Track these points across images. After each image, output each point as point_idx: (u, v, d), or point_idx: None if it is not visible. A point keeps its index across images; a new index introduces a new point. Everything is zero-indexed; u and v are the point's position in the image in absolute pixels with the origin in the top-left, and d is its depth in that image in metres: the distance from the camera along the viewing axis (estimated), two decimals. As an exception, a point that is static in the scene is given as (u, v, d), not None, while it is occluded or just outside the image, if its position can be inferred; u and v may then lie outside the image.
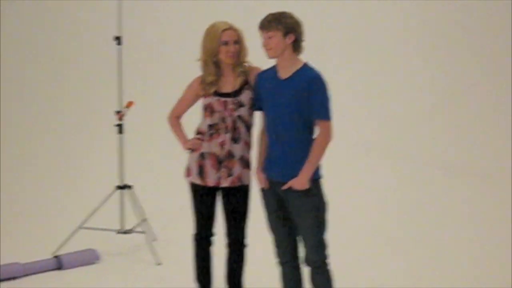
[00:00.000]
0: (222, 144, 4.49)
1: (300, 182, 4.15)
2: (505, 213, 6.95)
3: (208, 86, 4.50)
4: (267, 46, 4.18)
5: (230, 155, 4.50)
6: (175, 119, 4.73)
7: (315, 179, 4.21)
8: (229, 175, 4.50)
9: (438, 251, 6.13)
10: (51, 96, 8.85)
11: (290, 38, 4.15)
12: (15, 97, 8.79)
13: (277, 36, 4.15)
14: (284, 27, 4.13)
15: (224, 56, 4.44)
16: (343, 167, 7.88)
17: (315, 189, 4.20)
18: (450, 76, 8.88)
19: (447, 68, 8.89)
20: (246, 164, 4.55)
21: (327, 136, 4.15)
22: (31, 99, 8.82)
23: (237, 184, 4.54)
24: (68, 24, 8.96)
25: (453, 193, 7.62)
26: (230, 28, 4.45)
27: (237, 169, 4.51)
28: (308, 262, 4.31)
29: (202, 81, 4.54)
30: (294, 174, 4.17)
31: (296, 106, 4.14)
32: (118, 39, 6.09)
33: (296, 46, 4.19)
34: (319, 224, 4.23)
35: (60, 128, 8.62)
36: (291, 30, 4.14)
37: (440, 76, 8.89)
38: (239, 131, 4.50)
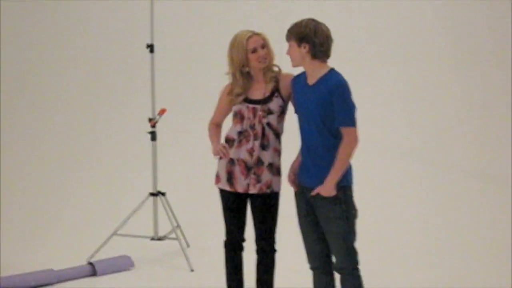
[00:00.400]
0: (251, 151, 4.49)
1: (326, 189, 4.14)
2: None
3: (236, 97, 4.52)
4: (288, 55, 4.24)
5: (259, 162, 4.50)
6: (214, 126, 4.72)
7: (343, 186, 4.18)
8: (258, 181, 4.50)
9: (472, 257, 6.10)
10: (86, 104, 8.91)
11: (304, 47, 4.16)
12: (51, 106, 8.86)
13: (293, 46, 4.19)
14: (296, 37, 4.16)
15: (256, 63, 4.45)
16: (373, 173, 7.83)
17: (342, 196, 4.18)
18: (483, 82, 8.80)
19: (481, 74, 8.82)
20: (275, 171, 4.55)
21: (351, 143, 4.13)
22: (65, 108, 8.88)
23: (266, 191, 4.53)
24: (101, 32, 9.02)
25: (486, 199, 7.54)
26: (254, 34, 4.47)
27: (265, 176, 4.51)
28: (337, 269, 4.30)
29: (229, 92, 4.55)
30: (321, 180, 4.16)
31: (321, 112, 4.14)
32: (150, 46, 6.11)
33: (314, 54, 4.18)
34: (347, 232, 4.20)
35: (94, 136, 8.67)
36: (304, 40, 4.15)
37: (474, 81, 8.82)
38: (268, 138, 4.50)
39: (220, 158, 4.59)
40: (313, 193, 4.19)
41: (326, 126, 4.16)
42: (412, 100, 8.81)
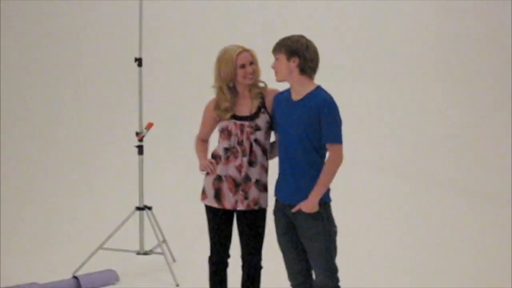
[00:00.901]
0: (239, 168, 4.49)
1: (309, 205, 4.14)
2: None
3: (223, 112, 4.51)
4: (274, 69, 4.25)
5: (246, 178, 4.49)
6: (200, 142, 4.72)
7: (324, 202, 4.20)
8: (245, 198, 4.49)
9: (448, 273, 6.12)
10: (73, 118, 8.88)
11: (294, 61, 4.17)
12: (38, 119, 8.83)
13: (281, 59, 4.20)
14: (286, 50, 4.17)
15: (243, 79, 4.45)
16: (354, 189, 7.84)
17: (324, 212, 4.20)
18: (467, 98, 8.83)
19: (464, 90, 8.85)
20: (262, 187, 4.53)
21: (337, 159, 4.15)
22: (51, 119, 8.85)
23: (253, 207, 4.52)
24: (89, 46, 9.01)
25: (467, 215, 7.55)
26: (244, 50, 4.46)
27: (253, 192, 4.50)
28: (318, 286, 4.28)
29: (216, 106, 4.54)
30: (303, 197, 4.16)
31: (305, 129, 4.15)
32: (139, 60, 6.11)
33: (303, 69, 4.19)
34: (328, 248, 4.21)
35: (80, 149, 8.64)
36: (294, 54, 4.16)
37: (457, 97, 8.85)
38: (255, 155, 4.49)
39: (207, 174, 4.58)
40: (295, 209, 4.19)
41: (311, 143, 4.17)
42: (396, 115, 8.82)
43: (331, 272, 4.24)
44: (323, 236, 4.19)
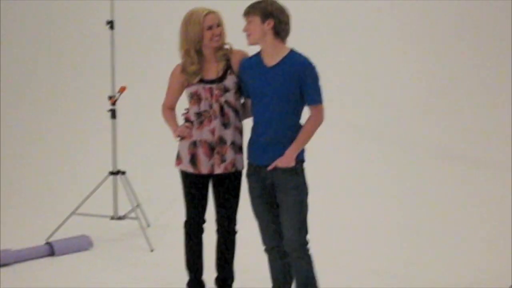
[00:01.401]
0: (212, 131, 4.44)
1: (285, 160, 4.17)
2: (504, 201, 6.87)
3: (191, 76, 4.45)
4: (246, 31, 4.20)
5: (221, 141, 4.45)
6: (168, 110, 4.65)
7: (300, 159, 4.24)
8: (223, 161, 4.46)
9: (434, 241, 6.09)
10: (44, 82, 8.78)
11: (269, 24, 4.14)
12: (8, 84, 8.73)
13: (255, 21, 4.15)
14: (261, 12, 4.13)
15: (209, 41, 4.40)
16: (334, 152, 7.84)
17: (300, 168, 4.24)
18: (448, 61, 8.79)
19: (447, 53, 8.81)
20: (238, 149, 4.51)
21: (319, 119, 4.21)
22: (23, 83, 8.75)
23: (231, 170, 4.49)
24: (60, 9, 8.88)
25: (449, 180, 7.55)
26: (211, 12, 4.41)
27: (229, 154, 4.47)
28: (288, 244, 4.27)
29: (183, 70, 4.48)
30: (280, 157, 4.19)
31: (285, 93, 4.15)
32: (110, 23, 6.04)
33: (278, 31, 4.16)
34: (301, 205, 4.23)
35: (52, 114, 8.55)
36: (270, 16, 4.13)
37: (439, 60, 8.81)
38: (228, 116, 4.45)
39: (181, 139, 4.53)
40: (271, 166, 4.20)
41: (291, 106, 4.17)
42: (378, 78, 8.79)
43: (302, 230, 4.24)
44: (299, 191, 4.22)
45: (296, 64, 4.14)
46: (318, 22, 8.67)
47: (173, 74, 4.57)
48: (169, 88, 4.62)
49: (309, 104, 4.19)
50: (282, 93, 4.15)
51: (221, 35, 4.42)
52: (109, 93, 6.08)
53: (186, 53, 4.45)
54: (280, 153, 4.18)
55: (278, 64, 4.18)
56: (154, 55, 8.60)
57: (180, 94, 4.60)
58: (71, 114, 8.53)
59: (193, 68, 4.44)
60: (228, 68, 4.46)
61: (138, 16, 8.68)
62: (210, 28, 4.38)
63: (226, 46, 4.50)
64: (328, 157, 7.56)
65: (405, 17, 8.89)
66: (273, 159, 4.20)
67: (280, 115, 4.18)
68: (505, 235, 6.05)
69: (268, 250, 4.44)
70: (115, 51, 6.11)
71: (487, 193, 7.15)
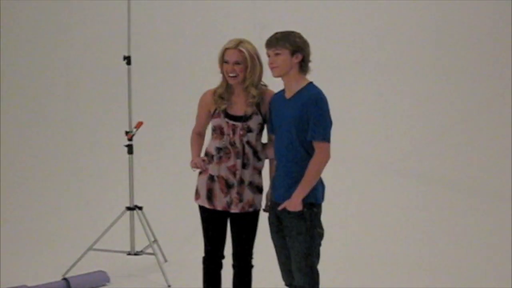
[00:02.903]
0: (233, 169, 4.42)
1: (292, 204, 4.11)
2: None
3: (219, 99, 4.43)
4: (273, 64, 4.14)
5: (241, 180, 4.42)
6: (196, 135, 4.62)
7: (310, 202, 4.14)
8: (240, 200, 4.43)
9: (446, 266, 6.12)
10: (61, 116, 8.81)
11: (297, 58, 4.13)
12: (23, 117, 8.76)
13: (284, 54, 4.11)
14: (292, 46, 4.11)
15: (225, 75, 4.39)
16: (351, 188, 7.79)
17: (308, 213, 4.14)
18: (464, 95, 8.77)
19: (462, 88, 8.79)
20: (255, 189, 4.47)
21: (323, 159, 4.09)
22: (40, 119, 8.78)
23: (248, 209, 4.46)
24: (78, 44, 8.93)
25: (463, 212, 7.52)
26: (235, 47, 4.35)
27: (247, 194, 4.43)
28: (296, 287, 4.22)
29: (214, 92, 4.46)
30: (289, 196, 4.13)
31: (296, 126, 4.11)
32: (127, 58, 6.06)
33: (303, 66, 4.16)
34: (308, 250, 4.15)
35: (70, 148, 8.57)
36: (299, 49, 4.12)
37: (455, 94, 8.79)
38: (247, 157, 4.42)
39: (200, 173, 4.51)
40: (280, 207, 4.16)
41: (300, 140, 4.12)
42: (392, 111, 8.76)
43: (309, 276, 4.18)
44: (304, 237, 4.14)
45: (306, 96, 4.10)
46: (332, 54, 8.68)
47: (201, 99, 4.54)
48: (197, 113, 4.59)
49: (311, 140, 4.09)
50: (292, 126, 4.11)
51: (238, 74, 4.35)
52: (126, 128, 6.09)
53: (222, 75, 4.43)
54: (288, 191, 4.13)
55: (293, 96, 4.17)
56: (171, 90, 8.62)
57: (207, 121, 4.55)
58: (88, 149, 8.54)
59: (220, 91, 4.42)
60: (256, 108, 4.43)
61: (155, 51, 8.71)
62: (226, 62, 4.37)
63: (257, 90, 4.40)
64: (350, 194, 7.52)
65: (421, 50, 8.87)
66: (283, 196, 4.16)
67: (289, 148, 4.14)
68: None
69: (288, 285, 4.40)
70: (132, 86, 6.12)
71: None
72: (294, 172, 4.14)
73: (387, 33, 8.85)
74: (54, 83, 8.92)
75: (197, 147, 4.61)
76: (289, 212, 4.12)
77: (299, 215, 4.12)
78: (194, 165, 4.49)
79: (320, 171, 4.11)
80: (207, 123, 4.58)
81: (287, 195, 4.14)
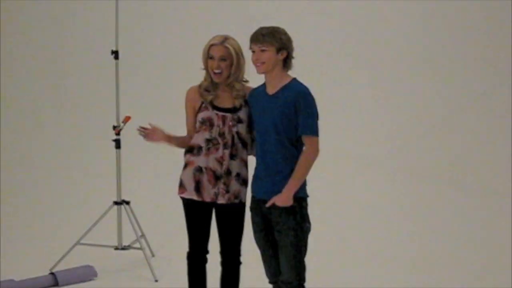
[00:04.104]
0: (220, 160, 4.42)
1: (282, 199, 4.10)
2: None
3: (204, 92, 4.43)
4: (258, 60, 4.14)
5: (228, 172, 4.43)
6: (190, 139, 4.57)
7: (299, 197, 4.14)
8: (227, 191, 4.43)
9: (443, 274, 6.07)
10: (48, 111, 8.80)
11: (282, 54, 4.13)
12: (10, 111, 8.74)
13: (270, 51, 4.11)
14: (278, 43, 4.10)
15: (210, 71, 4.39)
16: (341, 183, 7.82)
17: (298, 207, 4.14)
18: (461, 90, 8.79)
19: (454, 81, 8.81)
20: (242, 181, 4.47)
21: (313, 153, 4.10)
22: (28, 114, 8.77)
23: (234, 201, 4.46)
24: (65, 39, 8.92)
25: (456, 207, 7.55)
26: (221, 44, 4.36)
27: (234, 185, 4.44)
28: (283, 282, 4.22)
29: (199, 87, 4.46)
30: (277, 191, 4.12)
31: (281, 122, 4.10)
32: (115, 53, 6.05)
33: (287, 62, 4.17)
34: (298, 245, 4.15)
35: (56, 143, 8.56)
36: (284, 47, 4.12)
37: (447, 89, 8.81)
38: (236, 148, 4.43)
39: (185, 166, 4.48)
40: (269, 203, 4.14)
41: (287, 136, 4.12)
42: (385, 106, 8.78)
43: (298, 269, 4.18)
44: (295, 232, 4.13)
45: (293, 92, 4.10)
46: (323, 49, 8.69)
47: (186, 97, 4.52)
48: (186, 115, 4.56)
49: (300, 134, 4.09)
50: (278, 122, 4.10)
51: (224, 70, 4.36)
52: (114, 123, 6.08)
53: (205, 70, 4.43)
54: (276, 186, 4.12)
55: (277, 93, 4.16)
56: (159, 84, 8.63)
57: (195, 118, 4.52)
58: (75, 143, 8.53)
59: (205, 84, 4.43)
60: (244, 101, 4.43)
61: (143, 46, 8.71)
62: (211, 58, 4.37)
63: (241, 84, 4.42)
64: (332, 188, 7.53)
65: (410, 46, 8.90)
66: (271, 193, 4.14)
67: (276, 145, 4.13)
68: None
69: (272, 283, 4.40)
70: (120, 80, 6.11)
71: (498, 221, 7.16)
72: (282, 168, 4.13)
73: (383, 29, 8.89)
74: (42, 77, 8.90)
75: (178, 136, 4.58)
76: (279, 208, 4.12)
77: (289, 210, 4.11)
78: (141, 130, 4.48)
79: (310, 165, 4.11)
80: (195, 122, 4.56)
81: (275, 191, 4.12)
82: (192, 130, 4.54)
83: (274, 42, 4.09)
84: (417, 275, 5.92)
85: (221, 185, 4.43)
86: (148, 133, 4.50)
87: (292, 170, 4.11)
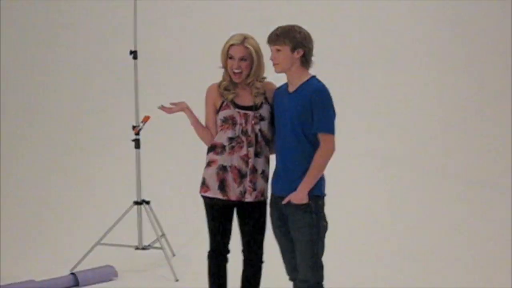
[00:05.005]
0: (245, 158, 4.40)
1: (298, 196, 4.10)
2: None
3: (225, 91, 4.43)
4: (275, 60, 4.14)
5: (254, 169, 4.41)
6: (212, 137, 4.54)
7: (315, 195, 4.13)
8: (254, 189, 4.42)
9: (447, 261, 6.12)
10: (68, 112, 8.81)
11: (298, 53, 4.12)
12: (31, 113, 8.77)
13: (285, 50, 4.11)
14: (292, 42, 4.09)
15: (230, 71, 4.38)
16: (353, 181, 7.79)
17: (314, 205, 4.13)
18: (466, 88, 8.76)
19: (464, 82, 8.78)
20: (266, 178, 4.47)
21: (328, 150, 4.09)
22: (47, 115, 8.78)
23: (261, 198, 4.45)
24: (83, 39, 8.93)
25: (462, 202, 7.52)
26: (241, 43, 4.35)
27: (260, 183, 4.43)
28: (301, 282, 4.20)
29: (219, 86, 4.46)
30: (294, 189, 4.12)
31: (299, 119, 4.10)
32: (134, 53, 6.06)
33: (305, 60, 4.15)
34: (314, 243, 4.14)
35: (77, 143, 8.57)
36: (300, 45, 4.11)
37: (454, 86, 8.78)
38: (260, 145, 4.41)
39: (208, 164, 4.46)
40: (285, 200, 4.15)
41: (305, 133, 4.11)
42: (398, 106, 8.75)
43: (315, 268, 4.17)
44: (310, 230, 4.13)
45: (309, 90, 4.10)
46: (336, 49, 8.66)
47: (207, 95, 4.52)
48: (206, 112, 4.55)
49: (316, 132, 4.09)
50: (296, 119, 4.10)
51: (243, 70, 4.36)
52: (133, 123, 6.09)
53: (224, 69, 4.43)
54: (293, 183, 4.12)
55: (296, 90, 4.16)
56: (178, 84, 8.61)
57: (215, 117, 4.51)
58: (95, 144, 8.54)
59: (224, 83, 4.43)
60: (264, 99, 4.43)
61: (161, 45, 8.71)
62: (231, 58, 4.37)
63: (260, 83, 4.41)
64: (350, 188, 7.51)
65: (420, 46, 8.86)
66: (287, 190, 4.15)
67: (294, 142, 4.13)
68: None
69: (292, 280, 4.39)
70: (139, 80, 6.12)
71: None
72: (299, 166, 4.13)
73: (400, 28, 8.85)
74: (61, 78, 8.91)
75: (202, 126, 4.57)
76: (294, 205, 4.11)
77: (305, 208, 4.11)
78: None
79: (326, 163, 4.11)
80: (215, 118, 4.55)
81: (291, 188, 4.13)
82: (213, 127, 4.52)
83: (288, 41, 4.08)
84: (434, 274, 5.91)
85: (247, 183, 4.41)
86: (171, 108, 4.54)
87: (308, 167, 4.10)
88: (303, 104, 4.08)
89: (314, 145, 4.12)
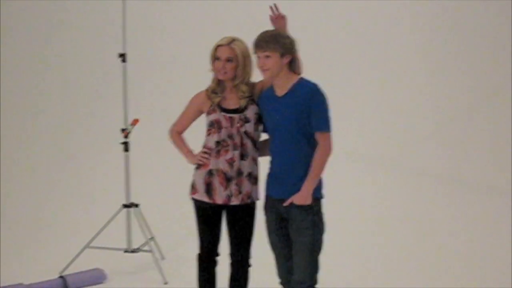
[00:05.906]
0: (230, 161, 4.41)
1: (302, 197, 4.10)
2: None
3: (212, 94, 4.44)
4: (264, 67, 4.14)
5: (239, 172, 4.42)
6: (176, 134, 4.64)
7: (316, 197, 4.16)
8: (239, 192, 4.43)
9: (445, 262, 6.14)
10: (56, 114, 8.79)
11: (287, 58, 4.13)
12: (18, 115, 8.74)
13: (274, 57, 4.10)
14: (282, 48, 4.10)
15: (215, 71, 4.39)
16: (346, 184, 7.80)
17: (315, 206, 4.16)
18: (458, 90, 8.78)
19: (456, 81, 8.80)
20: (254, 180, 4.48)
21: (327, 149, 4.12)
22: (35, 117, 8.76)
23: (247, 201, 4.46)
24: (73, 41, 8.92)
25: (456, 206, 7.53)
26: (227, 45, 4.37)
27: (246, 186, 4.44)
28: (296, 282, 4.21)
29: (207, 90, 4.48)
30: (296, 191, 4.13)
31: (295, 121, 4.11)
32: (122, 56, 6.05)
33: (292, 64, 4.17)
34: (315, 244, 4.16)
35: (65, 146, 8.55)
36: (288, 51, 4.11)
37: (448, 89, 8.79)
38: (246, 147, 4.43)
39: (198, 167, 4.49)
40: (287, 202, 4.14)
41: (303, 134, 4.13)
42: (389, 106, 8.76)
43: (312, 270, 4.19)
44: (312, 231, 4.15)
45: (304, 91, 4.11)
46: (329, 50, 8.68)
47: (193, 98, 4.54)
48: (184, 112, 4.59)
49: (314, 131, 4.11)
50: (292, 121, 4.11)
51: (229, 71, 4.37)
52: (122, 126, 6.08)
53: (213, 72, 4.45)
54: (295, 186, 4.13)
55: (287, 93, 4.16)
56: (167, 87, 8.62)
57: (193, 120, 4.57)
58: (84, 147, 8.52)
59: (212, 86, 4.44)
60: (250, 100, 4.44)
61: (150, 48, 8.70)
62: (217, 59, 4.38)
63: (246, 86, 4.42)
64: (343, 190, 7.52)
65: (415, 46, 8.88)
66: (289, 192, 4.15)
67: (292, 144, 4.14)
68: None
69: (283, 284, 4.39)
70: (127, 83, 6.11)
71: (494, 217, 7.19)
72: (299, 167, 4.15)
73: (394, 29, 8.87)
74: (49, 80, 8.90)
75: (184, 143, 4.62)
76: (297, 207, 4.12)
77: (308, 209, 4.13)
78: (199, 161, 4.47)
79: (325, 161, 4.13)
80: (191, 122, 4.58)
81: (293, 190, 4.14)
82: (184, 128, 4.61)
83: (278, 47, 4.09)
84: (431, 275, 5.93)
85: (233, 186, 4.42)
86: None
87: (308, 169, 4.12)
88: (298, 106, 4.09)
89: (312, 145, 4.14)
